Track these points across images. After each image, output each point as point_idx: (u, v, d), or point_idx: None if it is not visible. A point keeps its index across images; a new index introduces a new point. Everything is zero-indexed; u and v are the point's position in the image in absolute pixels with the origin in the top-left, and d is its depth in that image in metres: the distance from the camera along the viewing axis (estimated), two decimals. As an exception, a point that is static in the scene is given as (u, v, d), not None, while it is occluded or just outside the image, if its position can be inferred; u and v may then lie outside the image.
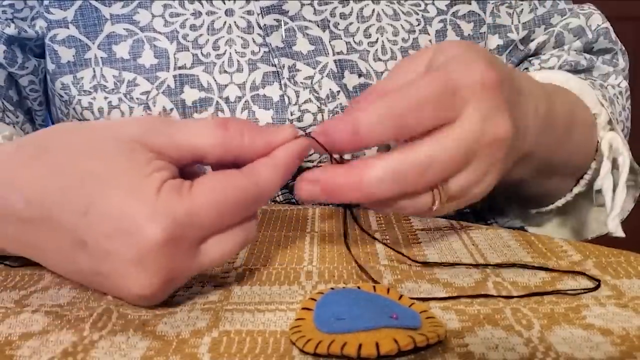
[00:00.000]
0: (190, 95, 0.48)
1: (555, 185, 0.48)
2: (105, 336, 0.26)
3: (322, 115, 0.48)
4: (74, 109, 0.49)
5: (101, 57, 0.48)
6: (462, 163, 0.30)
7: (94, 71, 0.48)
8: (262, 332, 0.26)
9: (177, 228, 0.26)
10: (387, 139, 0.30)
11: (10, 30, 0.49)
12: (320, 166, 0.31)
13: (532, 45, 0.55)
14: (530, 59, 0.57)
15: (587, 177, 0.47)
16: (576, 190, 0.47)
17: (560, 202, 0.48)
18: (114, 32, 0.48)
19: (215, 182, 0.27)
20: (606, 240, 0.44)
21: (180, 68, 0.48)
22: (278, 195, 0.51)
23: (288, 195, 0.51)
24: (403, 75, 0.34)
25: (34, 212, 0.28)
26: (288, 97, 0.48)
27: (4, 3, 0.49)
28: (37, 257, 0.30)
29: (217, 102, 0.48)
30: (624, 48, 0.59)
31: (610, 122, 0.47)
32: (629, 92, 0.58)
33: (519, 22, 0.55)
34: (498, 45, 0.54)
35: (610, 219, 0.45)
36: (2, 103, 0.51)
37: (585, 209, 0.51)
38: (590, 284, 0.30)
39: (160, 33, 0.48)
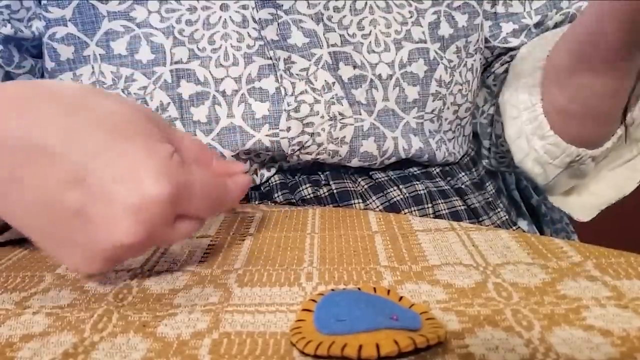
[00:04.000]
0: (186, 89, 0.48)
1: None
2: (105, 338, 0.26)
3: (318, 106, 0.49)
4: None
5: (99, 54, 0.48)
6: None
7: (93, 68, 0.48)
8: (262, 334, 0.26)
9: (176, 193, 0.28)
10: None
11: (7, 30, 0.49)
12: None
13: (550, 24, 0.57)
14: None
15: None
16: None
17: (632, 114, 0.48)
18: (111, 29, 0.48)
19: (206, 171, 0.32)
20: (606, 240, 0.44)
21: (176, 63, 0.48)
22: (278, 196, 0.51)
23: (288, 196, 0.51)
24: None
25: (29, 142, 0.27)
26: (284, 89, 0.48)
27: (0, 4, 0.49)
28: (6, 193, 0.28)
29: (214, 95, 0.48)
30: None
31: None
32: None
33: (531, 8, 0.57)
34: (514, 29, 0.57)
35: None
36: None
37: None
38: (590, 284, 0.30)
39: (156, 29, 0.48)
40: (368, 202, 0.50)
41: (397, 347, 0.24)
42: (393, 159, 0.51)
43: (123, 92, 0.48)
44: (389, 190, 0.50)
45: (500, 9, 0.57)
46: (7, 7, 0.49)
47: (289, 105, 0.48)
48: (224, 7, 0.50)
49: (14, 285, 0.32)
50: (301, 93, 0.48)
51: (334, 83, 0.49)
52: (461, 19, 0.53)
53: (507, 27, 0.57)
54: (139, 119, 0.30)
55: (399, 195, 0.50)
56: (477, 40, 0.55)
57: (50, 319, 0.28)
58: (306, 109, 0.48)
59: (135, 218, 0.27)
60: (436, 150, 0.53)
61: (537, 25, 0.57)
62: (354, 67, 0.50)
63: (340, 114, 0.49)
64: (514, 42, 0.57)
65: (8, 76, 0.52)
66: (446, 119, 0.54)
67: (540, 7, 0.57)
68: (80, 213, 0.27)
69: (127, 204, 0.27)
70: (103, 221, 0.27)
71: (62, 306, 0.30)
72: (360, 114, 0.50)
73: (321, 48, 0.50)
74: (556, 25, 0.57)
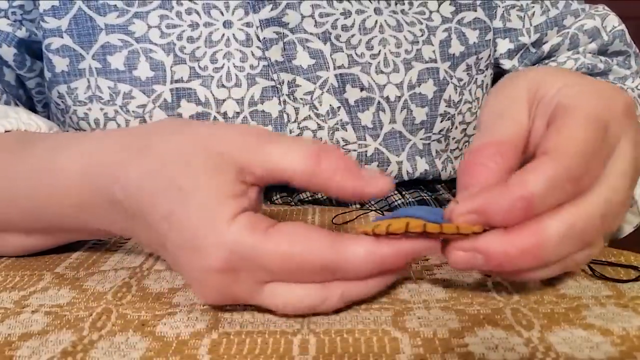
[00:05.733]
0: (187, 109, 0.47)
1: None
2: (104, 336, 0.26)
3: (322, 133, 0.48)
4: (70, 117, 0.49)
5: (95, 68, 0.47)
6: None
7: (89, 81, 0.47)
8: (261, 333, 0.26)
9: (238, 262, 0.25)
10: (556, 204, 0.26)
11: (22, 33, 0.48)
12: (477, 233, 0.26)
13: (546, 47, 0.55)
14: (546, 61, 0.56)
15: None
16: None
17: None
18: (108, 42, 0.47)
19: (295, 238, 0.26)
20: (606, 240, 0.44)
21: (177, 81, 0.47)
22: (277, 198, 0.51)
23: (287, 198, 0.51)
24: (511, 121, 0.29)
25: (131, 205, 0.28)
26: (287, 114, 0.48)
27: (14, 4, 0.48)
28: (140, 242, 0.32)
29: (215, 117, 0.47)
30: (637, 51, 0.58)
31: None
32: None
33: (531, 25, 0.54)
34: (509, 49, 0.55)
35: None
36: (14, 101, 0.51)
37: None
38: (590, 284, 0.30)
39: (156, 45, 0.47)
40: (367, 204, 0.50)
41: (441, 229, 0.25)
42: (395, 181, 0.51)
43: (121, 109, 0.47)
44: (389, 194, 0.50)
45: (497, 23, 0.54)
46: (21, 7, 0.48)
47: (291, 133, 0.47)
48: (227, 24, 0.48)
49: (13, 284, 0.32)
50: (304, 119, 0.48)
51: (339, 108, 0.48)
52: (472, 35, 0.52)
53: (503, 45, 0.54)
54: (204, 165, 0.27)
55: (400, 199, 0.50)
56: (489, 56, 0.53)
57: (49, 317, 0.28)
58: (309, 136, 0.48)
59: (201, 286, 0.27)
60: (442, 170, 0.52)
61: (535, 44, 0.55)
62: (361, 89, 0.49)
63: (343, 139, 0.48)
64: (506, 64, 0.55)
65: (19, 79, 0.51)
66: (454, 138, 0.53)
67: (541, 25, 0.54)
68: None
69: (191, 274, 0.27)
70: (186, 279, 0.29)
71: (61, 305, 0.30)
72: (365, 139, 0.49)
73: (327, 70, 0.48)
74: (552, 49, 0.55)
